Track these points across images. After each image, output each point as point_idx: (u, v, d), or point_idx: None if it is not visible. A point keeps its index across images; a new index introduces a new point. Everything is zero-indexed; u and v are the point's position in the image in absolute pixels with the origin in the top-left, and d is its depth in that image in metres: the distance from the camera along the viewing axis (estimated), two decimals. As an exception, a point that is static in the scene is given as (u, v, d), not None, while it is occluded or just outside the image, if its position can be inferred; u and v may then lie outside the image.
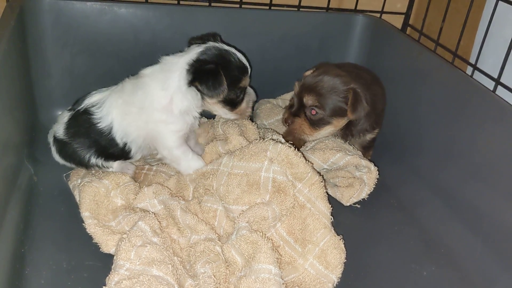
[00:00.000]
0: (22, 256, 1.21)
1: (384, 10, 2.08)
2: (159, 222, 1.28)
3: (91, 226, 1.27)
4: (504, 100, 1.39)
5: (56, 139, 1.49)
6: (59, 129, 1.49)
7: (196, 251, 1.21)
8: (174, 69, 1.41)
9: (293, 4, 1.99)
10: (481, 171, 1.42)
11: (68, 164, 1.51)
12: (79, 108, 1.47)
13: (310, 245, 1.27)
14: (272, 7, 1.96)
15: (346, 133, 1.67)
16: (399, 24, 2.09)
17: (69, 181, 1.47)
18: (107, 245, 1.25)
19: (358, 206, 1.56)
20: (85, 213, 1.29)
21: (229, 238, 1.23)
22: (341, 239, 1.30)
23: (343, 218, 1.49)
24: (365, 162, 1.53)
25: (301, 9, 1.99)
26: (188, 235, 1.28)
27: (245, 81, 1.45)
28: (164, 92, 1.40)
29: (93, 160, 1.47)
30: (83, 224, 1.28)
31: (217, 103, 1.46)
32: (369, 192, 1.55)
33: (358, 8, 2.06)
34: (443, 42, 1.81)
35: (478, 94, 1.45)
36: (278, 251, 1.25)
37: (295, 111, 1.60)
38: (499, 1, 1.57)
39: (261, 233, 1.20)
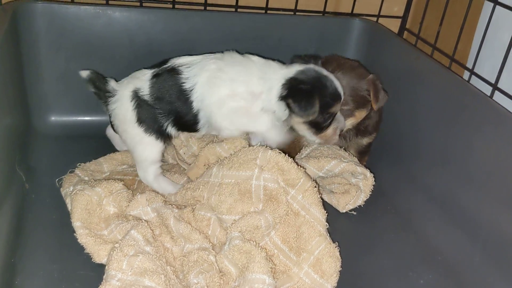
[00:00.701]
0: (13, 265, 1.19)
1: (381, 14, 2.07)
2: (152, 230, 1.27)
3: (83, 236, 1.25)
4: (501, 106, 1.38)
5: (138, 97, 1.43)
6: (143, 87, 1.44)
7: (190, 260, 1.19)
8: (273, 77, 1.42)
9: (289, 8, 1.97)
10: (478, 177, 1.41)
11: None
12: (166, 66, 1.46)
13: (305, 253, 1.26)
14: (268, 11, 1.94)
15: (343, 136, 1.66)
16: (396, 28, 2.08)
17: (61, 187, 1.45)
18: (99, 255, 1.23)
19: (354, 213, 1.55)
20: (76, 223, 1.27)
21: (222, 248, 1.21)
22: (337, 247, 1.28)
23: (339, 224, 1.48)
24: (361, 169, 1.52)
25: (297, 13, 1.98)
26: (181, 244, 1.26)
27: (336, 108, 1.45)
28: (260, 81, 1.42)
29: (169, 129, 1.46)
30: (75, 234, 1.26)
31: (303, 124, 1.46)
32: (365, 199, 1.54)
33: (354, 12, 2.05)
34: (440, 46, 1.80)
35: (475, 99, 1.44)
36: (272, 260, 1.23)
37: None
38: (497, 6, 1.55)
39: (254, 243, 1.19)
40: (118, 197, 1.36)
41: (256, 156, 1.30)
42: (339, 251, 1.28)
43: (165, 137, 1.48)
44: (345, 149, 1.66)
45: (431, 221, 1.52)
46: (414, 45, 1.83)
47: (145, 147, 1.46)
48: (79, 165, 1.54)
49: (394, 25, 2.07)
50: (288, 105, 1.40)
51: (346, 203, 1.54)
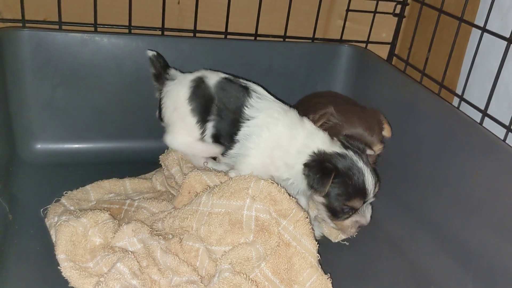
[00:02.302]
0: (-6, 299, 1.15)
1: (370, 40, 2.08)
2: (139, 262, 1.23)
3: (67, 270, 1.21)
4: (491, 132, 1.38)
5: (202, 81, 1.57)
6: (213, 78, 1.58)
7: (177, 294, 1.16)
8: (306, 148, 1.42)
9: (278, 35, 1.98)
10: (469, 204, 1.40)
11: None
12: (242, 81, 1.57)
13: (297, 285, 1.23)
14: (258, 38, 1.95)
15: None
16: (384, 54, 2.09)
17: (46, 218, 1.41)
18: (83, 289, 1.19)
19: (347, 243, 1.52)
20: (60, 256, 1.23)
21: (211, 280, 1.18)
22: (329, 278, 1.26)
23: (330, 254, 1.45)
24: None
25: (286, 39, 1.99)
26: (169, 277, 1.22)
27: (356, 203, 1.39)
28: (297, 154, 1.43)
29: (209, 127, 1.56)
30: (59, 267, 1.22)
31: (321, 203, 1.43)
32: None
33: (343, 38, 2.06)
34: (429, 72, 1.81)
35: (465, 126, 1.44)
36: (262, 293, 1.20)
37: None
38: (484, 33, 1.56)
39: (244, 275, 1.16)
40: (104, 227, 1.33)
41: (248, 185, 1.27)
42: (331, 282, 1.26)
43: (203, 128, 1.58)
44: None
45: (424, 249, 1.50)
46: (403, 71, 1.83)
47: (184, 124, 1.58)
48: (66, 193, 1.51)
49: (383, 51, 2.09)
50: (304, 173, 1.39)
51: (338, 233, 1.51)
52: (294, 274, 1.24)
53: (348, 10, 2.03)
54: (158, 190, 1.62)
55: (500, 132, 1.43)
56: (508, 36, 1.46)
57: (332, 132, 1.53)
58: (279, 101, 1.55)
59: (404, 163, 1.65)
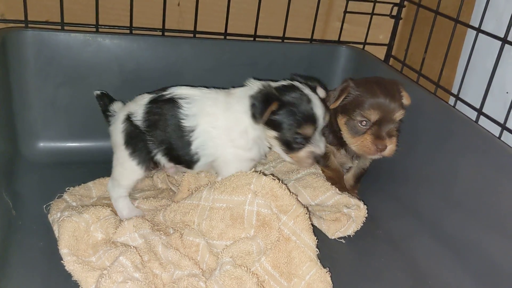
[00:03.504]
0: (-1, 293, 1.17)
1: (367, 41, 2.11)
2: (141, 256, 1.25)
3: (70, 263, 1.23)
4: (487, 130, 1.41)
5: (130, 121, 1.45)
6: (137, 112, 1.45)
7: (179, 287, 1.18)
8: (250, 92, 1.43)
9: (277, 36, 2.00)
10: (464, 201, 1.42)
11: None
12: (165, 93, 1.45)
13: (296, 278, 1.25)
14: (257, 39, 1.97)
15: (351, 156, 1.69)
16: (381, 55, 2.12)
17: (49, 214, 1.43)
18: (87, 282, 1.20)
19: (343, 241, 1.54)
20: (63, 250, 1.25)
21: (213, 273, 1.20)
22: (328, 272, 1.28)
23: (328, 250, 1.47)
24: (354, 201, 1.51)
25: (285, 41, 2.01)
26: (171, 270, 1.24)
27: (307, 130, 1.39)
28: (243, 115, 1.41)
29: (159, 157, 1.46)
30: (62, 261, 1.24)
31: (273, 139, 1.43)
32: (356, 230, 1.53)
33: (341, 39, 2.09)
34: (426, 73, 1.84)
35: (461, 124, 1.47)
36: (263, 286, 1.22)
37: (385, 133, 1.51)
38: (480, 33, 1.59)
39: (245, 268, 1.18)
40: (105, 223, 1.35)
41: (250, 181, 1.30)
42: (330, 276, 1.28)
43: (150, 165, 1.48)
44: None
45: (420, 245, 1.52)
46: (400, 72, 1.86)
47: (123, 171, 1.48)
48: (68, 189, 1.53)
49: (380, 52, 2.11)
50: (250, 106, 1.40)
51: (336, 230, 1.53)
52: (294, 267, 1.26)
53: (346, 12, 2.06)
54: (159, 188, 1.64)
55: (495, 130, 1.45)
56: (502, 36, 1.49)
57: (355, 104, 1.53)
58: (203, 90, 1.50)
59: (401, 161, 1.67)
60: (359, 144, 1.53)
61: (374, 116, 1.50)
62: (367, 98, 1.52)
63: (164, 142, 1.44)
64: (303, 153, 1.42)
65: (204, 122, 1.43)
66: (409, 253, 1.52)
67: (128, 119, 1.46)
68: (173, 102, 1.44)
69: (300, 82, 1.46)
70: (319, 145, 1.43)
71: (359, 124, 1.52)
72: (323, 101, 1.46)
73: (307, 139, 1.41)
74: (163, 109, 1.43)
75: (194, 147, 1.43)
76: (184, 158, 1.46)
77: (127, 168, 1.47)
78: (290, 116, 1.38)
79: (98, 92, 1.63)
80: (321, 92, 1.50)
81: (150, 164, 1.48)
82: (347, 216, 1.52)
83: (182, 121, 1.42)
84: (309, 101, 1.39)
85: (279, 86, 1.42)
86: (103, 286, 1.12)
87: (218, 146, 1.44)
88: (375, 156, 1.54)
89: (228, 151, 1.44)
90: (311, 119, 1.39)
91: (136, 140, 1.45)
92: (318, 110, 1.40)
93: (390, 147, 1.50)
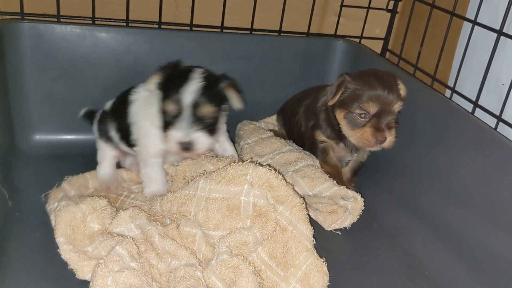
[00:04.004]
0: (-5, 283, 1.16)
1: (363, 35, 2.11)
2: (137, 246, 1.25)
3: (66, 252, 1.23)
4: (484, 122, 1.41)
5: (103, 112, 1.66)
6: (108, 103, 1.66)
7: (176, 276, 1.18)
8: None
9: (274, 29, 2.01)
10: (462, 193, 1.43)
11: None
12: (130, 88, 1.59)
13: (293, 268, 1.25)
14: (253, 32, 1.97)
15: (350, 150, 1.68)
16: (378, 49, 2.13)
17: (46, 203, 1.43)
18: (83, 271, 1.21)
19: (339, 233, 1.54)
20: (59, 239, 1.25)
21: (209, 263, 1.20)
22: (324, 262, 1.28)
23: (324, 241, 1.47)
24: (352, 193, 1.51)
25: (282, 34, 2.02)
26: (167, 260, 1.25)
27: (168, 106, 1.39)
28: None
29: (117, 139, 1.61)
30: (58, 250, 1.24)
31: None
32: (352, 222, 1.53)
33: (337, 33, 2.09)
34: (422, 66, 1.84)
35: (458, 116, 1.47)
36: (260, 276, 1.22)
37: (384, 125, 1.51)
38: (475, 26, 1.60)
39: (242, 258, 1.18)
40: (101, 214, 1.35)
41: (246, 172, 1.29)
42: (327, 266, 1.28)
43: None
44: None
45: (417, 238, 1.53)
46: (396, 65, 1.87)
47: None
48: (67, 177, 1.54)
49: (376, 46, 2.12)
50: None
51: (332, 222, 1.53)
52: (291, 257, 1.26)
53: (342, 5, 2.06)
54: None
55: (491, 122, 1.46)
56: (498, 28, 1.50)
57: (353, 98, 1.53)
58: None
59: (398, 155, 1.67)
60: (358, 137, 1.53)
61: (373, 108, 1.50)
62: (365, 91, 1.52)
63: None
64: (172, 132, 1.40)
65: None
66: (405, 246, 1.52)
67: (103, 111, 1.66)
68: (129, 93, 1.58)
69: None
70: (183, 131, 1.39)
71: (358, 117, 1.53)
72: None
73: (173, 118, 1.40)
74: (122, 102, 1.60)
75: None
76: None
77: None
78: (166, 87, 1.42)
79: (83, 111, 1.75)
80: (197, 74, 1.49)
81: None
82: (344, 208, 1.52)
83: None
84: (184, 77, 1.41)
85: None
86: (99, 275, 1.12)
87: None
88: (375, 148, 1.54)
89: None
90: (175, 98, 1.38)
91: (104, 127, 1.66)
92: (186, 93, 1.38)
93: (390, 138, 1.51)
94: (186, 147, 1.40)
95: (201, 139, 1.40)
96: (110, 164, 1.63)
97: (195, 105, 1.38)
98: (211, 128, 1.43)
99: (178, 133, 1.39)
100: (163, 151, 1.51)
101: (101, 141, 1.65)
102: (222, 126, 1.61)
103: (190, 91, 1.39)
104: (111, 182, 1.58)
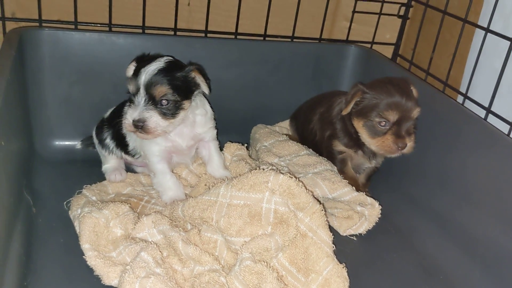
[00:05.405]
0: (25, 288, 1.19)
1: (375, 40, 2.14)
2: (161, 252, 1.28)
3: (92, 258, 1.25)
4: (496, 128, 1.44)
5: (102, 119, 1.70)
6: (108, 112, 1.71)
7: (201, 281, 1.20)
8: None
9: (286, 35, 2.03)
10: (474, 196, 1.45)
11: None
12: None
13: (313, 274, 1.28)
14: (266, 38, 2.00)
15: (368, 156, 1.71)
16: (389, 55, 2.15)
17: (69, 210, 1.46)
18: (108, 277, 1.23)
19: (355, 239, 1.56)
20: (85, 245, 1.28)
21: (232, 269, 1.22)
22: (344, 267, 1.31)
23: (341, 246, 1.50)
24: (370, 200, 1.53)
25: (294, 40, 2.04)
26: (191, 266, 1.27)
27: (129, 85, 1.45)
28: None
29: (113, 147, 1.67)
30: (84, 256, 1.27)
31: None
32: (368, 229, 1.55)
33: (349, 38, 2.11)
34: (433, 72, 1.86)
35: (470, 122, 1.50)
36: (283, 281, 1.24)
37: (404, 132, 1.54)
38: (488, 33, 1.62)
39: (265, 263, 1.20)
40: (124, 219, 1.37)
41: (267, 179, 1.31)
42: (347, 272, 1.31)
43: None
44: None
45: (432, 240, 1.55)
46: (408, 70, 1.89)
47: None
48: (85, 186, 1.56)
49: (387, 52, 2.15)
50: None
51: (347, 227, 1.55)
52: (311, 263, 1.29)
53: (354, 11, 2.08)
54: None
55: (503, 129, 1.48)
56: (511, 36, 1.52)
57: (371, 106, 1.54)
58: None
59: (411, 158, 1.69)
60: (380, 145, 1.56)
61: (393, 116, 1.53)
62: (383, 99, 1.54)
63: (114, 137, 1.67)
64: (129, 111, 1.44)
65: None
66: (421, 248, 1.54)
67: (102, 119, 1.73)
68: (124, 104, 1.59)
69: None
70: (137, 108, 1.42)
71: (379, 125, 1.55)
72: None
73: (131, 95, 1.45)
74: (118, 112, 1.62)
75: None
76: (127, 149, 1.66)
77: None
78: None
79: (79, 143, 1.82)
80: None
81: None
82: (360, 214, 1.54)
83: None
84: (151, 61, 1.45)
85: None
86: (127, 281, 1.14)
87: None
88: (395, 155, 1.57)
89: None
90: (135, 74, 1.45)
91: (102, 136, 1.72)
92: (149, 72, 1.41)
93: (410, 144, 1.54)
94: (137, 125, 1.41)
95: (153, 119, 1.41)
96: (114, 161, 1.68)
97: (148, 85, 1.41)
98: (168, 112, 1.43)
99: (132, 111, 1.42)
100: (163, 152, 1.54)
101: (98, 147, 1.70)
102: (206, 125, 1.61)
103: (147, 71, 1.42)
104: (116, 170, 1.65)
